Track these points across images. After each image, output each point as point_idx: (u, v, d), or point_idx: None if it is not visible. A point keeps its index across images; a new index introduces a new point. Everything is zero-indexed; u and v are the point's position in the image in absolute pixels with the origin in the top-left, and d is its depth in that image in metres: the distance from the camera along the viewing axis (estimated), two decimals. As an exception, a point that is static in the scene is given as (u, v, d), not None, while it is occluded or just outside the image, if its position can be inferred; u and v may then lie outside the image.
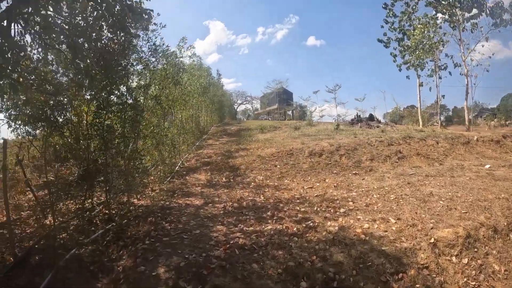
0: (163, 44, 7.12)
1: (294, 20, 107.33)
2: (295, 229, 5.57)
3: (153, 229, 5.05)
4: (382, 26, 31.65)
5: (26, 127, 4.63)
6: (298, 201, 7.80)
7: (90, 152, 5.32)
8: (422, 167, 10.75)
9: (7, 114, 4.58)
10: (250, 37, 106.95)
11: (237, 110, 59.85)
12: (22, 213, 5.30)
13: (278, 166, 10.92)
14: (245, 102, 59.26)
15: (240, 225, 5.57)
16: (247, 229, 5.37)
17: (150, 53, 7.04)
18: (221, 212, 6.51)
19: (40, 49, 4.23)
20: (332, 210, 6.81)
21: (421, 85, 28.58)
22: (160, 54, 7.49)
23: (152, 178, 8.74)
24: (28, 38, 3.93)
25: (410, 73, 30.28)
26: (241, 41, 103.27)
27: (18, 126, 4.54)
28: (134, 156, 5.76)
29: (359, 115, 27.16)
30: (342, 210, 6.84)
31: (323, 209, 7.06)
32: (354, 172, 10.68)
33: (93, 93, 5.19)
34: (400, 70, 31.54)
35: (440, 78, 27.81)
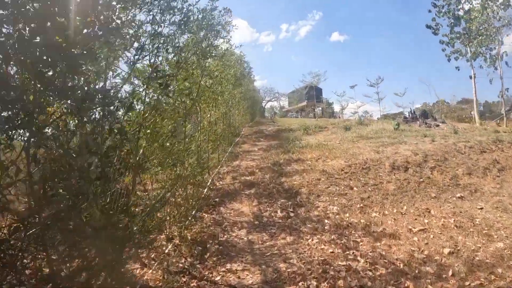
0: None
1: (318, 16, 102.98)
2: None
3: None
4: (429, 11, 26.91)
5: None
6: (428, 269, 4.31)
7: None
8: (532, 183, 7.71)
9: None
10: (274, 35, 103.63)
11: (265, 107, 56.36)
12: None
13: (355, 188, 7.29)
14: (273, 99, 55.59)
15: None
16: None
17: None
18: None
19: None
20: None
21: (474, 76, 24.00)
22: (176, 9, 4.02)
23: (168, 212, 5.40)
24: None
25: (457, 64, 25.95)
26: (265, 39, 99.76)
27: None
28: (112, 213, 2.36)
29: (414, 112, 22.80)
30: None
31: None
32: (458, 195, 7.34)
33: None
34: (449, 60, 27.12)
35: (496, 68, 23.18)
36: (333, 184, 7.37)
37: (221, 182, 7.78)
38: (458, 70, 28.21)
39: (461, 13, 24.72)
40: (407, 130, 16.28)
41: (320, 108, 51.23)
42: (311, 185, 7.24)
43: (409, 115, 21.43)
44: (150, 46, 3.55)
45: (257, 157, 10.00)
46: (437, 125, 20.56)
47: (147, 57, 3.57)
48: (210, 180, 7.80)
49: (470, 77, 24.75)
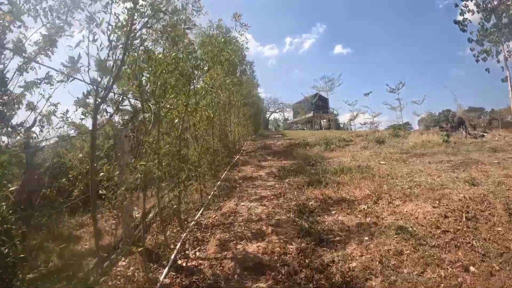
0: None
1: (322, 29, 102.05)
2: None
3: None
4: (456, 5, 23.48)
5: None
6: None
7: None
8: None
9: None
10: (278, 48, 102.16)
11: (269, 119, 52.79)
12: None
13: (472, 268, 3.41)
14: (277, 110, 52.01)
15: None
16: None
17: None
18: None
19: None
20: None
21: (510, 78, 20.47)
22: None
23: None
24: None
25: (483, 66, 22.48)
26: (269, 52, 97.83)
27: None
28: None
29: (453, 120, 19.16)
30: None
31: None
32: None
33: None
34: (477, 61, 23.67)
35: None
36: (429, 260, 3.48)
37: (198, 253, 3.89)
38: (489, 72, 24.63)
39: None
40: (459, 143, 12.49)
41: (325, 120, 47.64)
42: (387, 268, 3.34)
43: (447, 124, 17.81)
44: None
45: (266, 190, 6.11)
46: (482, 135, 17.33)
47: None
48: (178, 246, 3.97)
49: (502, 80, 21.21)
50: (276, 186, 6.29)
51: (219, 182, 7.04)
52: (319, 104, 46.92)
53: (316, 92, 38.57)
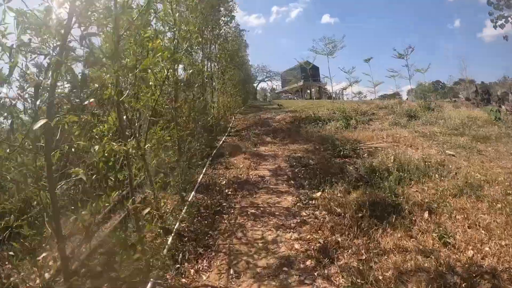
0: None
1: None
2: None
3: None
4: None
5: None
6: None
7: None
8: None
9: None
10: (264, 18, 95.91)
11: (257, 88, 48.79)
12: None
13: None
14: (266, 79, 47.87)
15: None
16: None
17: None
18: None
19: None
20: None
21: None
22: None
23: None
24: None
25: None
26: (255, 21, 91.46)
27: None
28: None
29: (484, 91, 16.37)
30: None
31: None
32: None
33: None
34: (495, 27, 21.07)
35: None
36: None
37: None
38: (507, 40, 21.95)
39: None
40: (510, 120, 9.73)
41: (314, 90, 44.46)
42: None
43: (477, 96, 15.09)
44: None
45: (286, 231, 3.07)
46: (517, 108, 15.03)
47: None
48: None
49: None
50: (303, 214, 3.25)
51: (192, 194, 3.98)
52: (310, 73, 43.48)
53: (307, 60, 34.99)
